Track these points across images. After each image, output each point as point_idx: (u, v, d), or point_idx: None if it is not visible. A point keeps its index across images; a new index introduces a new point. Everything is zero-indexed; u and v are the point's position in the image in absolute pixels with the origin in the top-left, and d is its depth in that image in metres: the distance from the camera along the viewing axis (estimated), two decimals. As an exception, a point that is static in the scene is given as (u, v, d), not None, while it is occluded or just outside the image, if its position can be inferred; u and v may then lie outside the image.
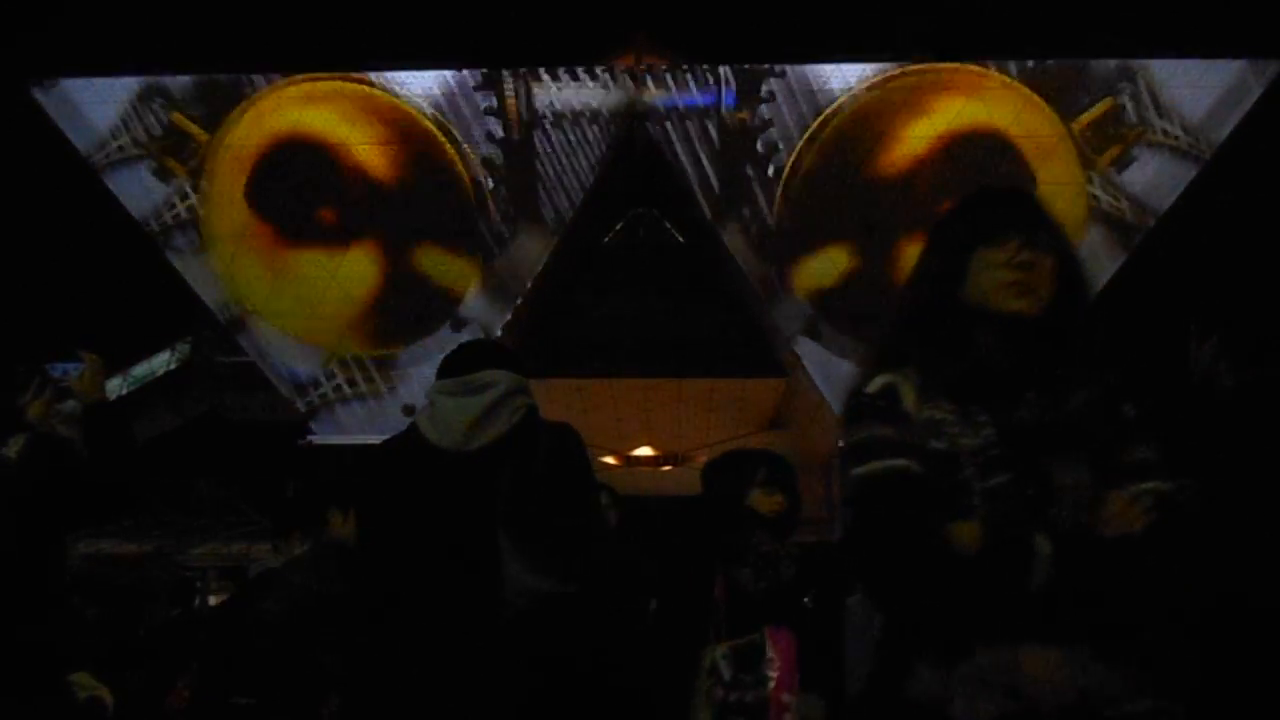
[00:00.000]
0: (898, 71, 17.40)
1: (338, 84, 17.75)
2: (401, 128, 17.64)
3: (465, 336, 15.76)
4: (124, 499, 2.94)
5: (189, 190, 17.67)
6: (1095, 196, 17.18)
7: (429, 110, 17.63)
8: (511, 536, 2.15)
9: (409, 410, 16.70)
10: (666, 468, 21.18)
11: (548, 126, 17.71)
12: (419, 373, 17.19)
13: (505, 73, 17.52)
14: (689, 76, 17.67)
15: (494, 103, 17.60)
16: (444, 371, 2.36)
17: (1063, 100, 17.27)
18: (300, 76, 17.74)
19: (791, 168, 17.37)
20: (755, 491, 3.16)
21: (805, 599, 3.00)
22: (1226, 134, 17.00)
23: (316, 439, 17.82)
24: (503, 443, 2.23)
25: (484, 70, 17.64)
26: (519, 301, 17.96)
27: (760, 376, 19.42)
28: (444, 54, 18.06)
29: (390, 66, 17.75)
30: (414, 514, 2.24)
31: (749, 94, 17.51)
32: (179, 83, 17.75)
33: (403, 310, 17.83)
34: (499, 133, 17.65)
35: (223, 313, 18.01)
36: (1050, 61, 17.50)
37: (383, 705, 2.22)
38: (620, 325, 19.02)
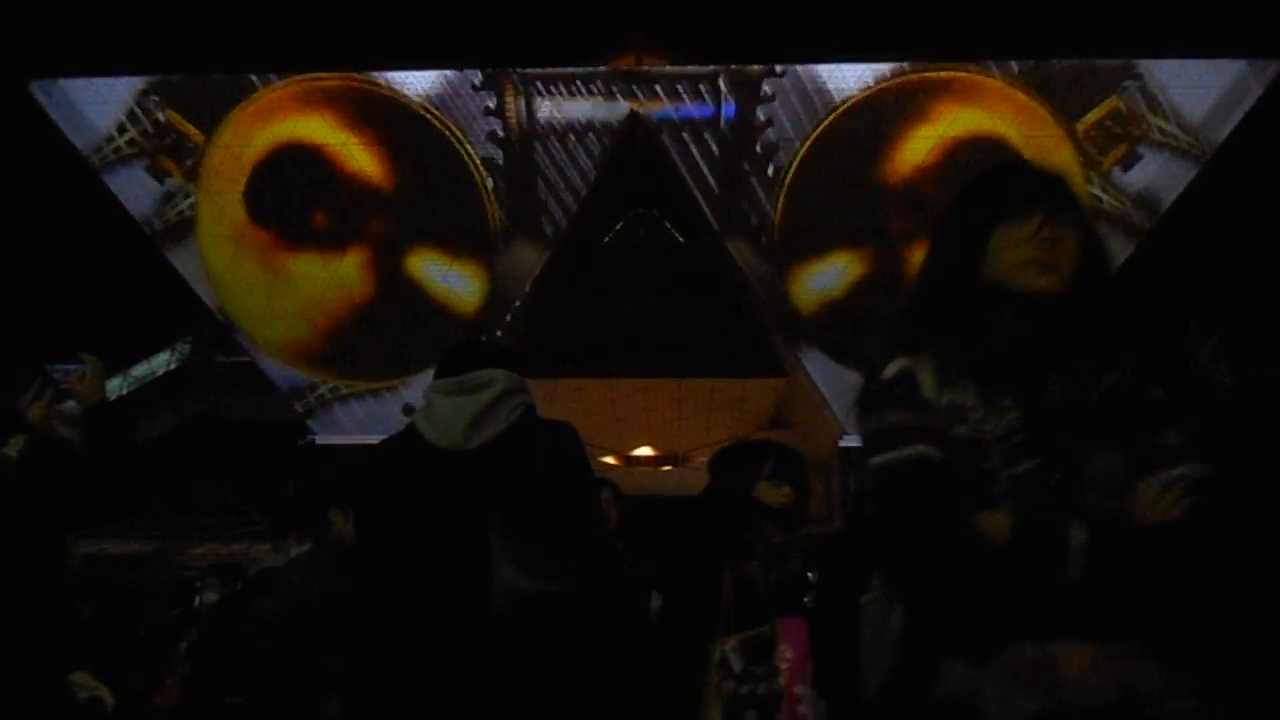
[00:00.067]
0: (899, 71, 17.40)
1: (337, 84, 17.75)
2: (401, 128, 17.63)
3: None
4: (124, 499, 2.94)
5: (189, 190, 17.67)
6: (1096, 197, 17.15)
7: (429, 110, 17.62)
8: (507, 535, 2.15)
9: (409, 410, 16.66)
10: (666, 468, 21.17)
11: (548, 129, 17.70)
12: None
13: (509, 71, 17.49)
14: (686, 87, 17.62)
15: (494, 103, 17.60)
16: (442, 371, 2.35)
17: (1065, 101, 17.27)
18: (299, 77, 17.74)
19: (794, 168, 17.35)
20: (762, 484, 3.16)
21: (805, 599, 2.99)
22: (1227, 134, 17.00)
23: (316, 439, 17.83)
24: (501, 442, 2.23)
25: (485, 70, 17.63)
26: (518, 302, 17.95)
27: (760, 376, 19.39)
28: (444, 54, 18.09)
29: (390, 66, 17.75)
30: (412, 513, 2.23)
31: (749, 95, 17.49)
32: (178, 83, 17.75)
33: (399, 334, 17.72)
34: (499, 132, 17.64)
35: (221, 313, 18.03)
36: (1052, 62, 17.50)
37: (382, 705, 2.22)
38: (620, 325, 19.00)
